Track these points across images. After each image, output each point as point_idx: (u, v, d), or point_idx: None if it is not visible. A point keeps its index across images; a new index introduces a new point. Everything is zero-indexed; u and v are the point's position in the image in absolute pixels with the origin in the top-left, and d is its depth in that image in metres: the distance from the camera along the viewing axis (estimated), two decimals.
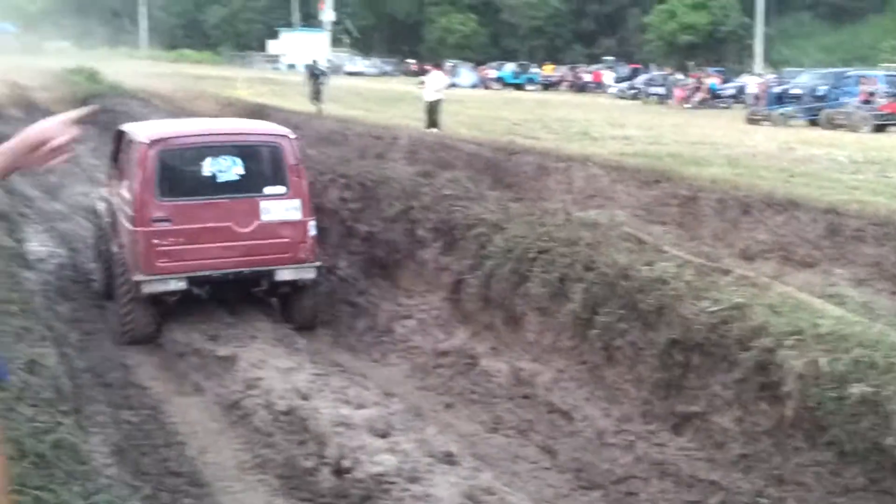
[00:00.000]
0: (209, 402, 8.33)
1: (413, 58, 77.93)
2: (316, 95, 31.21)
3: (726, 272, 7.84)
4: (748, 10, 62.68)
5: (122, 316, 9.96)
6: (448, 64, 67.44)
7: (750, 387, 6.43)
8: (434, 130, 24.43)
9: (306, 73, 33.10)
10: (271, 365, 8.56)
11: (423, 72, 37.63)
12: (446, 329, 9.96)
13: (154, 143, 9.82)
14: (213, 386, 8.58)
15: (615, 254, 8.34)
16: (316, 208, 13.19)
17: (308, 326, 10.48)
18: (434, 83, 26.10)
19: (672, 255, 8.35)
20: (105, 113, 28.24)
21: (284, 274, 10.11)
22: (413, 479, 6.15)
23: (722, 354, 6.74)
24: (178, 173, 9.95)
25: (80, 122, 2.67)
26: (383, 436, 7.02)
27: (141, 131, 10.41)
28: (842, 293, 7.63)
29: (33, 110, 33.02)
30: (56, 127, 2.65)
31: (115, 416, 7.49)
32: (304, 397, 7.76)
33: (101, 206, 11.98)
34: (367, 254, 12.08)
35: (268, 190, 10.11)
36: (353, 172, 13.61)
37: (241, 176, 10.02)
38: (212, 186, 9.93)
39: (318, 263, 10.36)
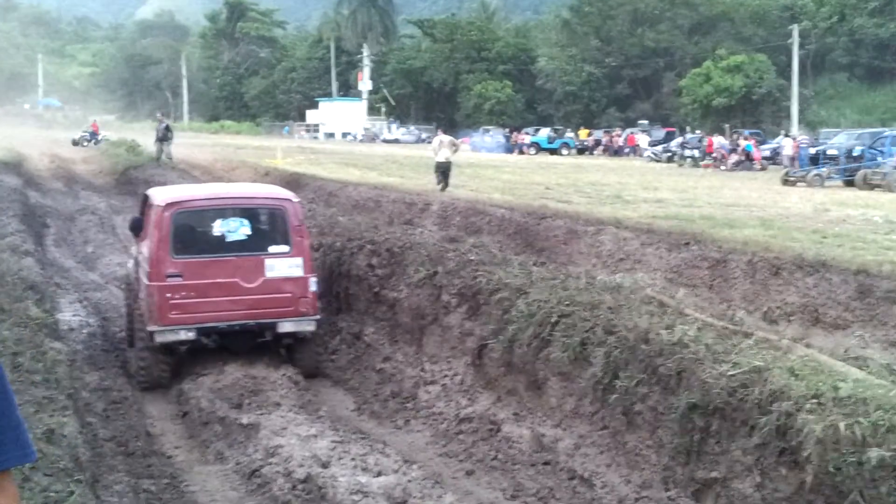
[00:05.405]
0: (230, 470, 8.32)
1: (450, 125, 78.55)
2: (160, 154, 35.45)
3: (747, 335, 7.74)
4: (784, 72, 62.69)
5: (139, 363, 10.89)
6: (485, 129, 68.28)
7: (770, 452, 6.30)
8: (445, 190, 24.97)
9: (156, 133, 36.85)
10: (292, 432, 8.56)
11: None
12: (469, 395, 9.90)
13: (169, 205, 10.81)
14: (234, 454, 8.59)
15: (636, 317, 8.27)
16: (343, 275, 13.34)
17: (312, 374, 11.22)
18: (436, 145, 26.69)
19: (693, 319, 8.26)
20: (143, 184, 28.76)
21: (286, 326, 10.96)
22: None
23: (742, 419, 6.62)
24: (190, 233, 11.00)
25: None
26: None
27: (160, 194, 11.48)
28: (865, 355, 7.50)
29: (73, 182, 33.66)
30: None
31: (133, 485, 7.49)
32: (324, 465, 7.74)
33: (130, 263, 12.81)
34: (394, 320, 12.09)
35: (272, 249, 11.02)
36: (381, 239, 13.67)
37: (248, 236, 11.01)
38: (221, 245, 10.92)
39: (317, 316, 11.22)
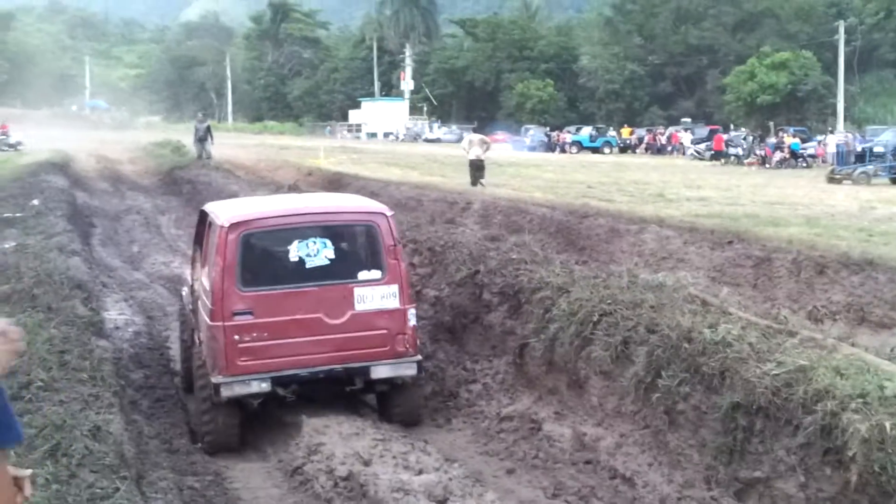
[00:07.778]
0: (272, 467, 8.40)
1: (491, 124, 78.38)
2: (200, 153, 35.92)
3: (792, 334, 7.66)
4: (830, 68, 61.91)
5: (202, 422, 9.00)
6: (526, 128, 68.39)
7: (814, 451, 6.23)
8: (477, 188, 25.33)
9: (194, 134, 37.34)
10: (334, 430, 8.59)
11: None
12: (510, 393, 9.90)
13: (235, 225, 8.78)
14: (277, 452, 8.66)
15: (678, 316, 8.21)
16: None
17: (411, 425, 9.35)
18: (466, 144, 27.42)
19: (737, 317, 8.19)
20: (188, 184, 29.10)
21: (381, 371, 9.04)
22: None
23: (786, 418, 6.55)
24: (261, 259, 9.15)
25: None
26: (441, 502, 6.99)
27: (222, 212, 9.35)
28: None
29: (119, 183, 34.10)
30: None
31: (178, 482, 7.58)
32: (365, 463, 7.77)
33: (185, 291, 11.22)
34: (435, 318, 12.10)
35: (362, 275, 9.09)
36: (422, 237, 13.71)
37: (332, 260, 9.04)
38: (299, 273, 8.96)
39: (418, 357, 9.30)
